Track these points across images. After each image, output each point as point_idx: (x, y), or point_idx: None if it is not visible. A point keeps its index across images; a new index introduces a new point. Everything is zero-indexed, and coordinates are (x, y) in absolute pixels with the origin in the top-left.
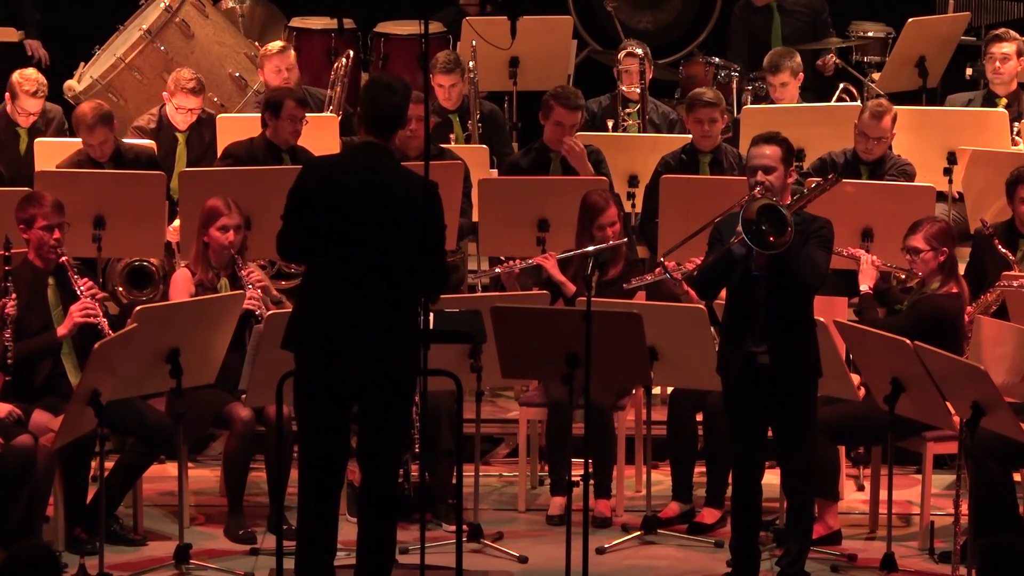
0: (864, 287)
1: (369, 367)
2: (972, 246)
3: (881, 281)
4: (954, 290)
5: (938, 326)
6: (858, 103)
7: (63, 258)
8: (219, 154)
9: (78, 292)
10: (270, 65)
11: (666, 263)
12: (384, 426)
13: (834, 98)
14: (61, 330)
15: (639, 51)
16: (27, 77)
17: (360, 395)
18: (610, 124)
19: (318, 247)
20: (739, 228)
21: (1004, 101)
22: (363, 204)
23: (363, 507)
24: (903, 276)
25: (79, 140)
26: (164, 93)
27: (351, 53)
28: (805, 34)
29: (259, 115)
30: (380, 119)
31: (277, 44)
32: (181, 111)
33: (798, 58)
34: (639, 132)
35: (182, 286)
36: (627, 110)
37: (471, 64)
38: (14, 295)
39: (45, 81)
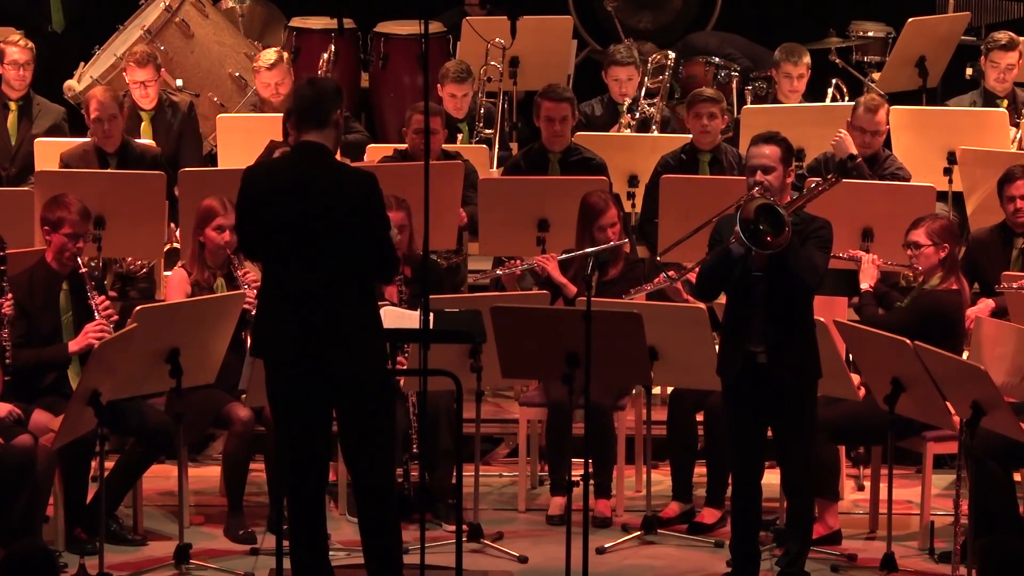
0: (865, 285)
1: (331, 367)
2: (967, 246)
3: (881, 284)
4: (954, 287)
5: (938, 322)
6: (850, 103)
7: (83, 269)
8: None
9: (94, 309)
10: (260, 79)
11: (668, 272)
12: (360, 424)
13: (828, 96)
14: (73, 346)
15: (619, 56)
16: (12, 42)
17: (331, 395)
18: (626, 121)
19: (268, 251)
20: (737, 228)
21: (1005, 102)
22: (302, 205)
23: (360, 509)
24: (910, 274)
25: (76, 140)
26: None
27: (332, 48)
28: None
29: (258, 115)
30: (301, 111)
31: (269, 58)
32: (135, 85)
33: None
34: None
35: (178, 286)
36: (648, 110)
37: (496, 64)
38: (10, 295)
39: (32, 46)
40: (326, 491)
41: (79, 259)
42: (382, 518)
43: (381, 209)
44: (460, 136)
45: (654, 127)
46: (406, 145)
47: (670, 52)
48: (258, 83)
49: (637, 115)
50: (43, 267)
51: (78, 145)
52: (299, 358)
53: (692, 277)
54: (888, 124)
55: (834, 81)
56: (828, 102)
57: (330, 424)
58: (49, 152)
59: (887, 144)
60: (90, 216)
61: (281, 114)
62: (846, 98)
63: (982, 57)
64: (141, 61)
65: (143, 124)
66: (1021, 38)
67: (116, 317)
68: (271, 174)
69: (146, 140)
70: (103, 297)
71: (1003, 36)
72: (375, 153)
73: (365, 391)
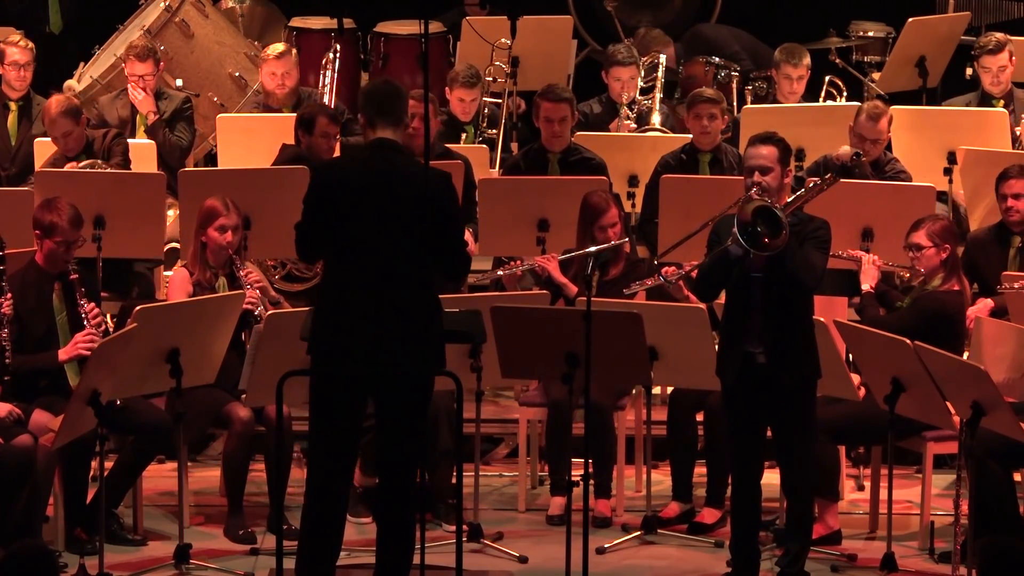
0: (866, 286)
1: (392, 365)
2: (966, 247)
3: (882, 283)
4: (956, 287)
5: (939, 323)
6: (852, 102)
7: (73, 275)
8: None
9: (83, 316)
10: (266, 69)
11: (665, 269)
12: (404, 424)
13: (822, 95)
14: (63, 355)
15: (620, 56)
16: (12, 43)
17: (380, 393)
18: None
19: (337, 248)
20: (735, 230)
21: (1001, 103)
22: (378, 202)
23: (382, 505)
24: (907, 276)
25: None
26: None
27: (338, 47)
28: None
29: (259, 115)
30: (383, 105)
31: (277, 48)
32: (134, 79)
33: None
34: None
35: (180, 286)
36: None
37: (501, 64)
38: (9, 295)
39: (32, 47)
40: (348, 493)
41: (70, 265)
42: (404, 515)
43: (456, 208)
44: (464, 136)
45: (655, 120)
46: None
47: (661, 54)
48: (264, 74)
49: (634, 111)
50: (34, 269)
51: (48, 158)
52: (357, 356)
53: (688, 268)
54: (889, 132)
55: (827, 79)
56: (822, 101)
57: (362, 424)
58: (49, 152)
59: (887, 145)
60: (82, 223)
61: (284, 113)
62: (843, 93)
63: (975, 62)
64: (142, 55)
65: (137, 116)
66: (1013, 38)
67: (105, 325)
68: (345, 170)
69: (143, 140)
70: (92, 304)
71: (990, 39)
72: None
73: (419, 392)
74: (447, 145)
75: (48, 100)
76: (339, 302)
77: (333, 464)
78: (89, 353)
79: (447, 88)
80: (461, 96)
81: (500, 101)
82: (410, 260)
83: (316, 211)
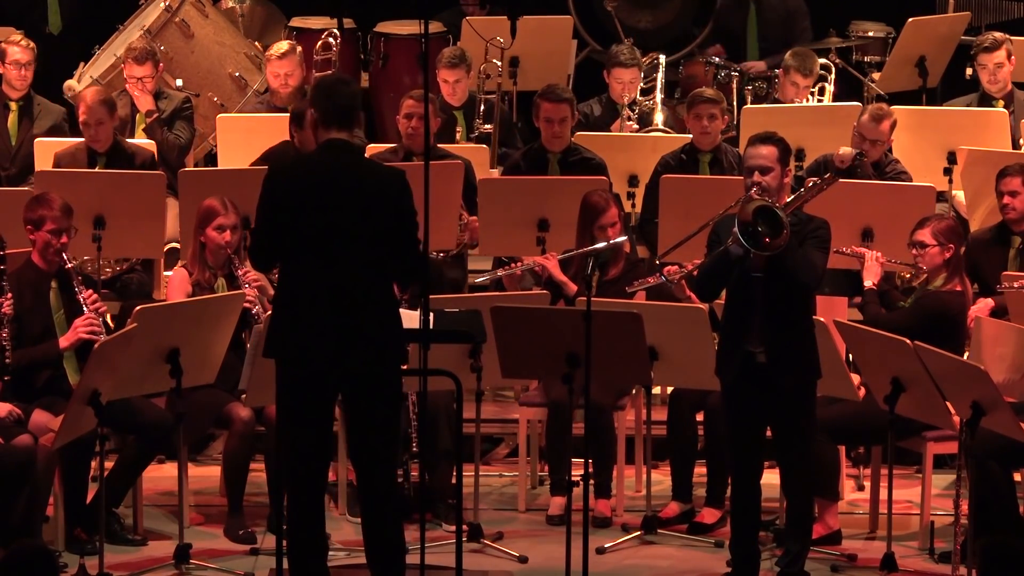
0: (868, 283)
1: (353, 364)
2: (966, 247)
3: (883, 283)
4: (958, 288)
5: (941, 323)
6: (853, 102)
7: (68, 265)
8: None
9: (82, 303)
10: (270, 68)
11: (667, 268)
12: (374, 423)
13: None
14: (63, 342)
15: (622, 57)
16: (13, 42)
17: (346, 393)
18: (626, 115)
19: (293, 250)
20: (735, 230)
21: (1001, 103)
22: (333, 202)
23: (364, 508)
24: (908, 275)
25: (76, 140)
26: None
27: (338, 33)
28: (778, 35)
29: (259, 115)
30: (341, 111)
31: (281, 48)
32: (132, 81)
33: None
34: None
35: (179, 286)
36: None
37: (496, 62)
38: (9, 294)
39: (33, 46)
40: (326, 491)
41: (64, 255)
42: (389, 516)
43: (412, 207)
44: (459, 132)
45: (657, 120)
46: (396, 145)
47: (660, 55)
48: (268, 73)
49: (635, 111)
50: (30, 268)
51: (71, 145)
52: (322, 357)
53: (690, 267)
54: (891, 137)
55: (822, 60)
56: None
57: (332, 424)
58: (49, 152)
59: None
60: (72, 212)
61: (287, 111)
62: (831, 74)
63: (973, 60)
64: (140, 58)
65: (137, 116)
66: (1014, 38)
67: (105, 309)
68: (298, 171)
69: (143, 141)
70: (91, 291)
71: (986, 37)
72: (372, 154)
73: (385, 391)
74: (443, 146)
75: (84, 90)
76: (297, 303)
77: (307, 463)
78: (90, 337)
79: (436, 70)
80: (444, 77)
81: (493, 96)
82: (365, 259)
83: (271, 215)
